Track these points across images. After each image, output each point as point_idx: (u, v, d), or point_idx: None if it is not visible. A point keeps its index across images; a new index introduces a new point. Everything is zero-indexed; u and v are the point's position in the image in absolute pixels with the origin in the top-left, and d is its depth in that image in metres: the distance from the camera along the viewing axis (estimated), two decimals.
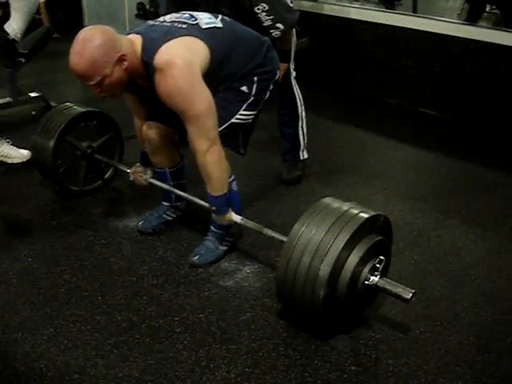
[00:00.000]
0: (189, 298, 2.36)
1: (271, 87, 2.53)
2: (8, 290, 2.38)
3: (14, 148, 3.52)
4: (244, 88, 2.41)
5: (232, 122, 2.40)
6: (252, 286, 2.44)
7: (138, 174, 2.74)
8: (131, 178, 2.77)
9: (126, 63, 2.17)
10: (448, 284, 2.50)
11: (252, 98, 2.44)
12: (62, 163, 2.99)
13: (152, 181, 2.73)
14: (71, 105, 3.14)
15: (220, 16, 2.42)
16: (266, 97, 2.52)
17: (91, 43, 2.11)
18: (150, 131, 2.56)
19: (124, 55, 2.15)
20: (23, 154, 3.48)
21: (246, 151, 2.58)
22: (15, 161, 3.49)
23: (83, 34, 2.15)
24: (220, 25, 2.36)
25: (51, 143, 2.93)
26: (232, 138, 2.45)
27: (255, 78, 2.42)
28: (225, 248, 2.62)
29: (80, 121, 3.02)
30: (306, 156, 3.40)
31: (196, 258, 2.56)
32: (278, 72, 2.57)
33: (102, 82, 2.16)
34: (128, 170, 2.81)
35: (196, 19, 2.32)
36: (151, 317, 2.24)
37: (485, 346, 2.14)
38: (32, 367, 1.98)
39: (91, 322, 2.21)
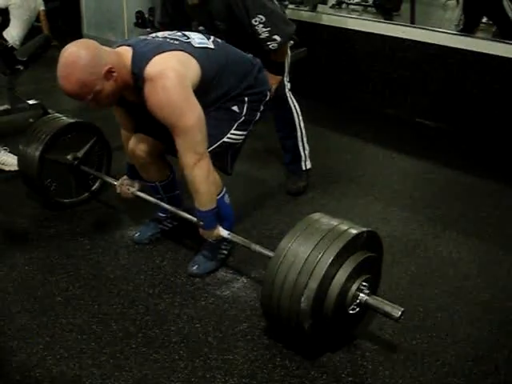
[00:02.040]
0: (185, 307, 2.35)
1: (262, 108, 2.51)
2: (4, 299, 2.37)
3: (12, 155, 3.51)
4: (235, 108, 2.40)
5: (223, 141, 2.38)
6: (249, 296, 2.43)
7: (125, 186, 2.72)
8: (118, 191, 2.75)
9: (115, 74, 2.13)
10: (445, 295, 2.50)
11: (243, 118, 2.42)
12: (51, 181, 2.97)
13: (139, 193, 2.71)
14: (47, 119, 3.09)
15: (212, 37, 2.40)
16: (257, 118, 2.51)
17: (76, 65, 2.05)
18: (137, 148, 2.53)
19: (111, 67, 2.12)
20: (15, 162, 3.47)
21: (233, 170, 2.56)
22: (12, 168, 3.48)
23: (66, 55, 2.08)
24: (212, 46, 2.34)
25: (35, 166, 2.89)
26: (221, 159, 2.42)
27: (246, 99, 2.41)
28: (222, 257, 2.62)
29: (60, 136, 2.95)
30: (309, 166, 3.40)
31: (195, 267, 2.56)
32: (269, 93, 2.55)
33: (95, 97, 2.13)
34: (115, 183, 2.78)
35: (188, 38, 2.30)
36: (147, 326, 2.23)
37: (482, 358, 2.13)
38: (28, 376, 1.97)
39: (87, 331, 2.20)
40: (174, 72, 2.11)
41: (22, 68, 4.31)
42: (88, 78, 2.07)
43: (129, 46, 2.23)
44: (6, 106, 4.28)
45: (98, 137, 3.10)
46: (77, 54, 2.07)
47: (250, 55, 2.51)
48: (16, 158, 3.48)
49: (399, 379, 2.01)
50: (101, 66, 2.09)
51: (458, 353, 2.15)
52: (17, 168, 3.45)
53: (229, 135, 2.40)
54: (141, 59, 2.16)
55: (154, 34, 2.36)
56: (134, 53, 2.19)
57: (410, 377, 2.03)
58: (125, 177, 2.74)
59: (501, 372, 2.07)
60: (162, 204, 2.67)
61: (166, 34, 2.34)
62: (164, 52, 2.17)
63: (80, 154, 3.01)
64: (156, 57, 2.14)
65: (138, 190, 2.72)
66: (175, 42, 2.25)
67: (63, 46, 2.10)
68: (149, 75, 2.12)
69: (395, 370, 2.06)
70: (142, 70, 2.13)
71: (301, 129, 3.31)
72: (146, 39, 2.30)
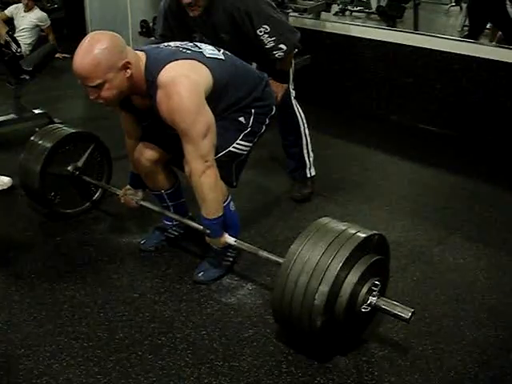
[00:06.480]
0: (191, 314, 2.36)
1: (267, 122, 2.53)
2: (10, 307, 2.38)
3: None
4: (241, 119, 2.42)
5: (229, 150, 2.39)
6: (254, 303, 2.44)
7: (129, 196, 2.72)
8: (122, 201, 2.75)
9: (129, 71, 2.14)
10: (450, 300, 2.49)
11: (249, 129, 2.44)
12: (54, 194, 2.98)
13: (143, 203, 2.71)
14: (45, 132, 3.08)
15: (222, 50, 2.43)
16: (262, 131, 2.53)
17: (99, 45, 2.08)
18: (142, 157, 2.54)
19: (129, 63, 2.13)
20: (4, 181, 3.43)
21: (237, 183, 2.55)
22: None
23: (92, 35, 2.14)
24: (222, 57, 2.37)
25: (37, 181, 2.89)
26: (226, 169, 2.42)
27: (253, 111, 2.44)
28: (228, 264, 2.62)
29: (59, 148, 2.94)
30: (313, 173, 3.41)
31: (200, 274, 2.56)
32: (275, 108, 2.57)
33: (101, 86, 2.12)
34: (118, 193, 2.79)
35: (200, 48, 2.34)
36: (153, 333, 2.24)
37: (488, 363, 2.13)
38: (34, 383, 1.98)
39: (93, 338, 2.21)
40: (187, 79, 2.14)
41: (27, 78, 4.34)
42: (105, 60, 2.08)
43: (142, 51, 2.25)
44: (11, 116, 4.31)
45: (97, 145, 3.10)
46: (104, 37, 2.12)
47: (254, 67, 2.52)
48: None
49: None
50: (121, 57, 2.12)
51: (464, 358, 2.15)
52: (5, 187, 3.39)
53: (235, 145, 2.41)
54: (155, 65, 2.18)
55: (165, 44, 2.39)
56: (147, 58, 2.22)
57: (415, 383, 2.02)
58: (128, 186, 2.74)
59: (507, 377, 2.07)
60: (167, 213, 2.68)
61: (177, 43, 2.36)
62: (177, 60, 2.20)
63: (80, 164, 3.00)
64: (170, 64, 2.17)
65: (142, 199, 2.72)
66: (188, 51, 2.28)
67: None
68: (162, 81, 2.14)
69: (401, 376, 2.05)
70: (156, 75, 2.16)
71: (306, 136, 3.32)
72: (158, 47, 2.33)
